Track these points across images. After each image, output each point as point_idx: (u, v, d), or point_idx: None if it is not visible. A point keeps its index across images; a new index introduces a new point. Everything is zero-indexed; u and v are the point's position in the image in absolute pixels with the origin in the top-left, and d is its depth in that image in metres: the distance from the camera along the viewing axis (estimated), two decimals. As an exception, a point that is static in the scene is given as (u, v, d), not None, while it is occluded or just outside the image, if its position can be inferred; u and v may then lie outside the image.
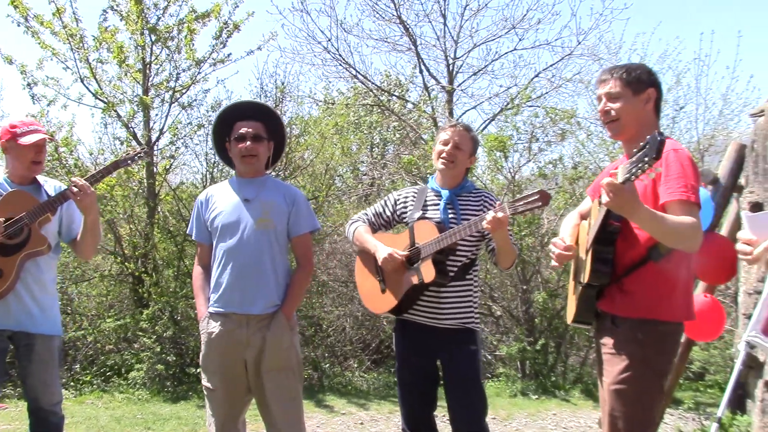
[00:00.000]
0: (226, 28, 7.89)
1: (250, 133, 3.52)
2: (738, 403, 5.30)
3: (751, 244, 2.12)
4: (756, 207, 4.69)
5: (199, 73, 8.02)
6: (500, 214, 3.13)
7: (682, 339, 4.67)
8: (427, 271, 3.40)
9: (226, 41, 7.95)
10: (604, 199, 2.47)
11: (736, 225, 5.12)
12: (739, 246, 2.19)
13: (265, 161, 3.62)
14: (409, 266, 3.51)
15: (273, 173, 7.94)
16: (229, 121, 3.62)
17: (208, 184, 8.21)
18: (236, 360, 3.42)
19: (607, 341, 2.82)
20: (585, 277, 2.81)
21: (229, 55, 8.04)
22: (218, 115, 3.74)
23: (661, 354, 2.76)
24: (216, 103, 8.25)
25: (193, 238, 3.71)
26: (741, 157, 5.06)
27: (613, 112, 2.85)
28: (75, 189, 3.32)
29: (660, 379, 2.77)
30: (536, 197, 3.05)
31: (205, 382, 3.50)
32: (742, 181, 5.07)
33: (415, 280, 3.46)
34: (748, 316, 4.42)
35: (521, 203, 3.10)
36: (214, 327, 3.44)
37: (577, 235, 3.10)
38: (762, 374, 4.45)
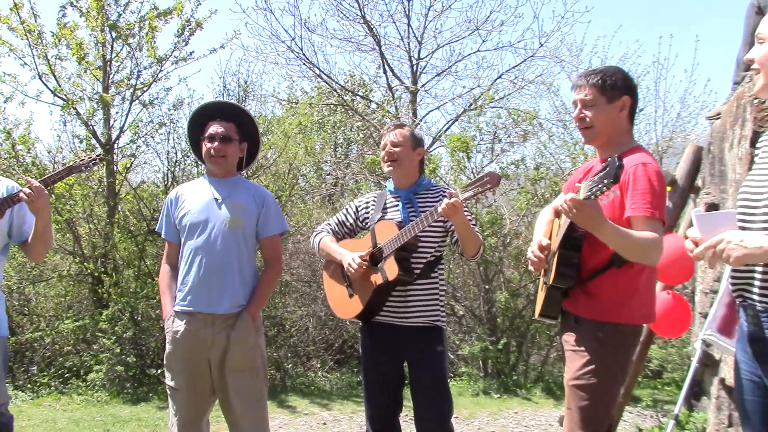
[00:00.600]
0: (188, 25, 7.80)
1: (219, 134, 3.51)
2: (694, 401, 5.40)
3: (697, 242, 2.17)
4: (712, 208, 4.79)
5: (160, 71, 7.93)
6: (453, 200, 3.16)
7: (642, 337, 4.76)
8: (391, 269, 3.42)
9: (189, 39, 7.87)
10: (568, 213, 2.52)
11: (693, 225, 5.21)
12: (686, 244, 2.25)
13: (235, 162, 3.61)
14: (374, 267, 3.52)
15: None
16: (203, 120, 3.60)
17: (169, 183, 8.13)
18: (200, 359, 3.40)
19: (569, 338, 2.89)
20: (551, 279, 2.86)
21: (191, 53, 7.96)
22: (192, 115, 3.72)
23: (619, 354, 2.82)
24: (178, 102, 8.18)
25: (162, 236, 3.68)
26: (698, 159, 5.16)
27: (587, 119, 2.87)
28: (28, 190, 3.23)
29: (617, 378, 2.84)
30: (486, 179, 3.11)
31: (168, 381, 3.48)
32: (699, 182, 5.16)
33: (379, 279, 3.47)
34: (705, 315, 4.50)
35: (473, 187, 3.14)
36: (179, 325, 3.43)
37: (551, 232, 3.15)
38: (717, 372, 4.54)
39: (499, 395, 7.39)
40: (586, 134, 2.93)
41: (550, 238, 3.07)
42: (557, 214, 3.18)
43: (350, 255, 3.56)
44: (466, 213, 3.40)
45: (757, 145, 2.42)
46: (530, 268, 3.06)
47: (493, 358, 7.98)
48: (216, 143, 3.50)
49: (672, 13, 25.47)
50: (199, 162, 7.74)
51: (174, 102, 8.20)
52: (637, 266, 2.78)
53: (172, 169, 8.25)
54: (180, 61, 7.96)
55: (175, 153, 8.27)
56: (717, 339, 4.00)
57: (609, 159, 2.33)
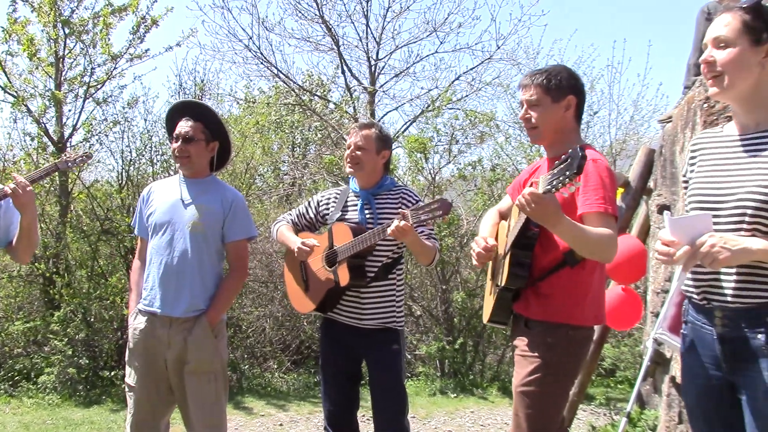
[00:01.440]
0: (143, 23, 7.70)
1: (182, 134, 3.46)
2: (646, 398, 5.51)
3: (671, 245, 2.17)
4: (663, 209, 4.89)
5: (115, 68, 7.81)
6: (402, 224, 3.15)
7: (595, 337, 4.83)
8: (343, 275, 3.44)
9: (144, 36, 7.77)
10: (526, 208, 2.45)
11: (646, 226, 5.32)
12: (658, 246, 2.23)
13: (204, 162, 3.55)
14: (329, 268, 3.52)
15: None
16: (175, 121, 3.56)
17: (123, 182, 8.02)
18: (158, 359, 3.38)
19: (519, 343, 2.87)
20: (502, 281, 2.83)
21: (146, 50, 7.87)
22: (168, 113, 3.66)
23: (569, 358, 2.80)
24: (133, 100, 8.06)
25: (135, 232, 3.68)
26: (650, 162, 5.26)
27: (533, 120, 2.87)
28: (13, 185, 3.15)
29: (566, 383, 2.83)
30: (437, 206, 3.07)
31: (127, 378, 3.45)
32: (651, 184, 5.27)
33: (332, 282, 3.49)
34: (656, 315, 4.59)
35: (423, 212, 3.12)
36: (140, 323, 3.42)
37: (496, 234, 3.14)
38: (668, 370, 4.63)
39: (455, 395, 7.43)
40: (532, 134, 2.93)
41: (496, 240, 3.07)
42: (503, 216, 3.20)
43: (298, 240, 3.57)
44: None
45: (693, 147, 2.47)
46: (474, 262, 3.02)
47: (449, 357, 8.03)
48: (179, 143, 3.46)
49: (625, 18, 25.92)
50: (155, 161, 7.67)
51: (129, 100, 8.10)
52: (589, 266, 2.78)
53: (127, 168, 8.13)
54: (135, 58, 7.86)
55: (130, 152, 8.16)
56: (668, 338, 4.08)
57: (570, 150, 2.29)
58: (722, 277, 2.18)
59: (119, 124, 8.00)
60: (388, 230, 3.19)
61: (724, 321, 2.20)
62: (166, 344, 3.36)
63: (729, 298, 2.17)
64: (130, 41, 7.74)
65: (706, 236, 2.08)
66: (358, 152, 3.60)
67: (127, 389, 3.47)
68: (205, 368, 3.37)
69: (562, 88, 2.84)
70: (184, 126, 3.48)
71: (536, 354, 2.77)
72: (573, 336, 2.78)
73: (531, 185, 2.47)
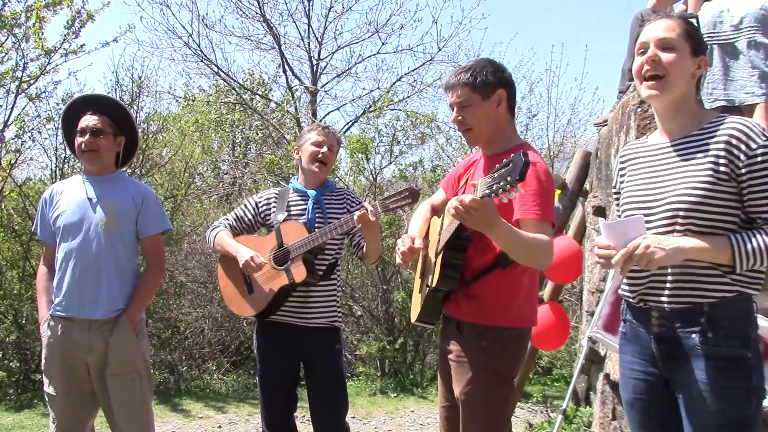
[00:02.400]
0: (78, 17, 7.49)
1: (90, 126, 3.36)
2: (581, 396, 5.62)
3: (609, 248, 2.22)
4: (599, 211, 5.00)
5: (48, 63, 7.57)
6: (372, 210, 3.17)
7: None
8: (298, 272, 3.40)
9: (79, 31, 7.55)
10: (465, 216, 2.33)
11: (582, 227, 5.44)
12: (597, 251, 2.27)
13: (111, 157, 3.47)
14: (278, 267, 3.49)
15: (128, 171, 7.65)
16: (74, 115, 3.45)
17: (57, 180, 7.79)
18: (78, 365, 3.28)
19: (453, 348, 2.78)
20: (433, 282, 2.76)
21: (82, 45, 7.64)
22: (65, 109, 3.56)
23: (506, 359, 2.73)
24: (67, 96, 7.84)
25: (37, 237, 3.52)
26: (586, 164, 5.38)
27: (466, 122, 2.75)
28: None
29: (507, 384, 2.75)
30: (406, 194, 3.14)
31: (46, 387, 3.35)
32: (587, 186, 5.38)
33: (284, 280, 3.44)
34: (591, 314, 4.69)
35: (392, 200, 3.16)
36: (55, 330, 3.30)
37: (427, 231, 3.07)
38: (603, 368, 4.74)
39: (395, 394, 7.46)
40: (468, 136, 2.80)
41: (427, 237, 3.01)
42: (435, 211, 3.11)
43: (249, 252, 3.48)
44: None
45: (621, 159, 2.52)
46: (398, 260, 2.90)
47: (390, 357, 8.06)
48: (87, 137, 3.34)
49: (564, 23, 26.43)
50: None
51: (63, 96, 7.85)
52: (521, 267, 2.70)
53: (61, 165, 7.91)
54: (70, 53, 7.62)
55: (64, 149, 7.92)
56: (602, 336, 4.17)
57: (512, 155, 2.16)
58: (658, 279, 2.25)
59: (53, 121, 7.78)
60: (356, 217, 3.18)
61: (660, 321, 2.27)
62: (87, 349, 3.26)
63: (665, 300, 2.23)
64: (65, 36, 7.52)
65: (640, 238, 2.14)
66: (330, 153, 3.60)
67: (47, 399, 3.37)
68: (128, 368, 3.30)
69: (489, 84, 2.70)
70: (90, 119, 3.37)
71: (472, 358, 2.70)
72: (507, 337, 2.71)
73: (469, 186, 2.43)
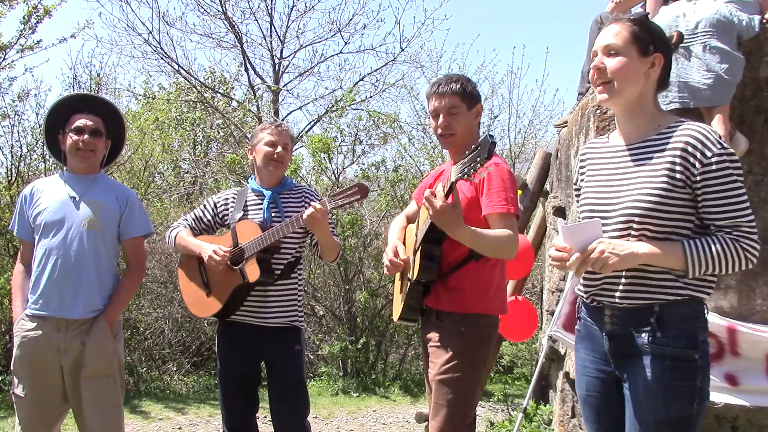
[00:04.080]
0: (35, 12, 7.36)
1: (90, 126, 3.35)
2: (541, 394, 5.69)
3: (564, 251, 2.27)
4: (559, 211, 5.07)
5: (4, 59, 7.43)
6: (319, 208, 3.20)
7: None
8: (252, 271, 3.39)
9: (36, 27, 7.42)
10: (431, 212, 2.60)
11: (543, 227, 5.50)
12: (552, 252, 2.32)
13: (101, 158, 3.47)
14: (233, 267, 3.47)
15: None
16: (63, 113, 3.41)
17: (13, 178, 7.65)
18: (51, 366, 3.23)
19: (433, 336, 2.99)
20: (414, 274, 2.96)
21: (39, 41, 7.52)
22: (55, 105, 3.49)
23: (481, 344, 2.96)
24: (23, 92, 7.71)
25: (14, 234, 3.47)
26: (547, 165, 5.45)
27: (452, 127, 3.01)
28: None
29: (480, 368, 2.99)
30: (355, 190, 3.18)
31: (14, 388, 3.29)
32: (547, 186, 5.45)
33: (239, 280, 3.42)
34: (551, 313, 4.75)
35: (341, 197, 3.20)
36: (30, 329, 3.24)
37: (404, 238, 3.26)
38: (562, 366, 4.80)
39: (357, 394, 7.47)
40: (448, 141, 3.05)
41: (404, 243, 3.19)
42: (410, 221, 3.33)
43: (211, 246, 3.48)
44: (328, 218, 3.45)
45: (581, 157, 2.58)
46: (386, 272, 3.18)
47: (352, 357, 8.07)
48: (86, 136, 3.34)
49: (525, 25, 26.69)
50: (49, 157, 7.35)
51: (19, 93, 7.74)
52: (493, 260, 2.95)
53: (17, 164, 7.77)
54: (26, 49, 7.49)
55: (20, 147, 7.80)
56: (562, 335, 4.22)
57: (480, 139, 2.40)
58: (611, 279, 2.30)
59: (8, 118, 7.64)
60: (304, 216, 3.22)
61: (613, 320, 2.32)
62: (62, 349, 3.22)
63: (617, 299, 2.28)
64: (21, 31, 7.39)
65: (596, 242, 2.20)
66: (285, 152, 3.61)
67: (15, 399, 3.31)
68: (103, 371, 3.27)
69: (474, 96, 3.03)
70: (89, 119, 3.38)
71: (451, 343, 2.91)
72: (482, 324, 2.95)
73: (435, 191, 2.61)
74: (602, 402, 2.41)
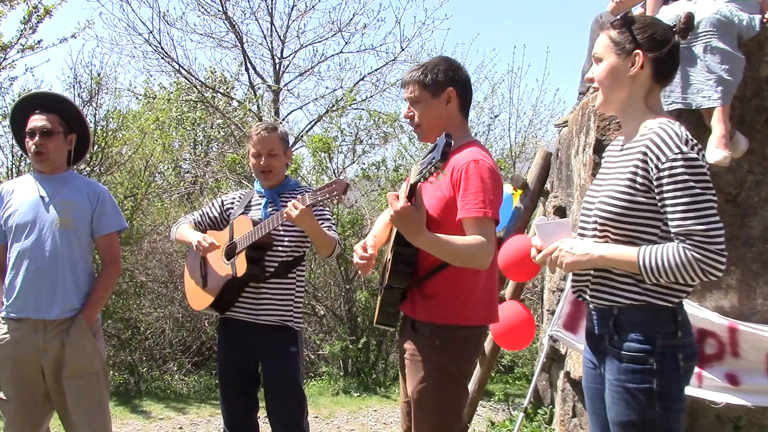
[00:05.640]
0: (36, 12, 7.36)
1: (39, 127, 3.31)
2: (542, 394, 5.69)
3: (539, 248, 2.36)
4: (559, 211, 5.07)
5: (5, 59, 7.43)
6: (299, 205, 3.18)
7: (492, 335, 4.96)
8: (240, 265, 3.41)
9: (36, 26, 7.43)
10: (391, 212, 2.42)
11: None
12: (532, 251, 2.40)
13: (63, 156, 3.43)
14: (227, 261, 3.50)
15: (87, 168, 7.54)
16: (23, 114, 3.39)
17: (14, 177, 7.64)
18: (31, 367, 3.22)
19: (408, 347, 2.78)
20: (386, 279, 2.76)
21: (39, 41, 7.51)
22: (13, 108, 3.50)
23: (459, 359, 2.72)
24: (24, 92, 7.71)
25: None
26: (547, 164, 5.44)
27: (416, 118, 2.80)
28: None
29: (459, 383, 2.76)
30: (333, 186, 3.14)
31: None
32: (548, 186, 5.45)
33: (229, 274, 3.44)
34: (552, 312, 4.74)
35: (320, 193, 3.18)
36: (6, 333, 3.24)
37: (389, 236, 3.06)
38: (563, 366, 4.80)
39: (358, 394, 7.47)
40: (417, 132, 2.86)
41: (388, 241, 2.99)
42: None
43: (199, 235, 3.51)
44: (323, 214, 3.44)
45: (603, 155, 2.60)
46: (359, 272, 2.99)
47: (353, 357, 8.06)
48: (36, 138, 3.30)
49: (526, 25, 26.68)
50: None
51: (20, 92, 7.71)
52: None
53: (17, 163, 7.76)
54: (27, 49, 7.49)
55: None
56: (563, 335, 4.22)
57: (437, 138, 2.25)
58: (585, 279, 2.34)
59: (8, 118, 7.63)
60: (284, 210, 3.21)
61: (589, 317, 2.40)
62: (41, 350, 3.21)
63: (589, 299, 2.35)
64: (21, 31, 7.39)
65: (558, 242, 2.28)
66: (271, 158, 3.59)
67: None
68: (85, 369, 3.27)
69: (439, 82, 2.75)
70: (39, 119, 3.32)
71: (425, 357, 2.70)
72: (462, 335, 2.71)
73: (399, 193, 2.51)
74: (598, 393, 2.42)
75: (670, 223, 2.12)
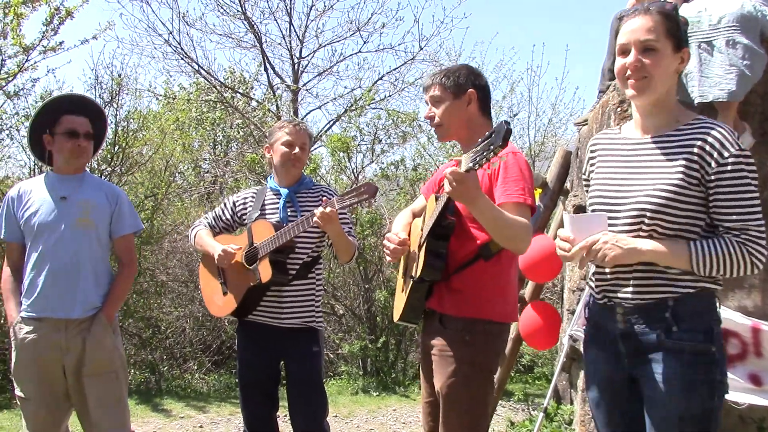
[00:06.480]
0: (57, 14, 7.42)
1: (84, 129, 3.37)
2: (562, 394, 5.66)
3: (569, 242, 2.27)
4: (579, 210, 5.03)
5: (27, 60, 7.50)
6: (328, 209, 3.17)
7: (513, 335, 4.94)
8: (265, 271, 3.40)
9: (58, 28, 7.48)
10: (447, 188, 2.43)
11: (563, 226, 5.45)
12: (557, 242, 2.32)
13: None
14: (248, 267, 3.48)
15: (108, 168, 7.61)
16: (51, 113, 3.41)
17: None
18: (53, 366, 3.24)
19: (436, 343, 2.80)
20: (417, 272, 2.78)
21: (61, 43, 7.57)
22: (45, 105, 3.52)
23: (488, 354, 2.78)
24: (46, 93, 7.78)
25: (1, 237, 3.44)
26: (567, 163, 5.40)
27: (437, 118, 2.89)
28: None
29: (488, 377, 2.81)
30: (363, 190, 3.13)
31: (18, 391, 3.30)
32: (567, 185, 5.41)
33: (253, 280, 3.43)
34: (572, 312, 4.71)
35: (349, 197, 3.16)
36: (27, 333, 3.25)
37: (409, 232, 3.11)
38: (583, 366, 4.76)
39: (377, 393, 7.46)
40: (438, 132, 2.95)
41: (409, 237, 3.04)
42: (416, 216, 3.18)
43: (220, 246, 3.52)
44: (344, 218, 3.43)
45: (592, 148, 2.55)
46: (386, 258, 3.03)
47: (372, 356, 8.07)
48: (81, 138, 3.35)
49: (545, 23, 26.55)
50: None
51: (42, 93, 7.80)
52: (504, 261, 2.78)
53: (39, 164, 7.84)
54: (49, 50, 7.54)
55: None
56: (583, 334, 4.19)
57: (495, 126, 2.28)
58: (622, 276, 2.27)
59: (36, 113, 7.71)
60: (317, 212, 3.19)
61: (625, 318, 2.29)
62: (64, 349, 3.24)
63: (629, 296, 2.26)
64: (43, 33, 7.45)
65: (599, 234, 2.20)
66: (303, 152, 3.61)
67: (19, 402, 3.33)
68: (106, 367, 3.29)
69: (460, 84, 2.87)
70: (82, 122, 3.38)
71: (455, 353, 2.73)
72: (490, 331, 2.77)
73: (454, 161, 2.50)
74: (614, 404, 2.38)
75: (722, 217, 2.15)
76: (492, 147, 2.25)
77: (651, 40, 2.23)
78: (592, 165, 2.52)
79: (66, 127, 3.35)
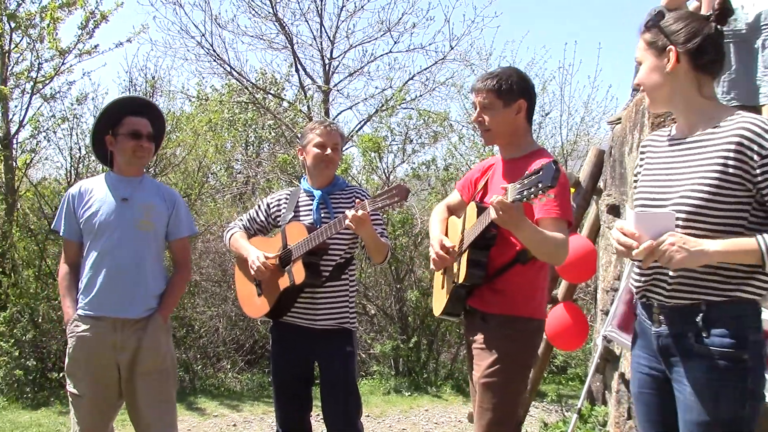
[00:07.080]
0: (92, 17, 7.54)
1: (148, 133, 3.43)
2: (596, 395, 5.60)
3: (633, 238, 2.18)
4: (613, 209, 4.98)
5: (63, 63, 7.63)
6: (360, 212, 3.19)
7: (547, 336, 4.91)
8: (298, 273, 3.41)
9: (93, 31, 7.60)
10: (492, 214, 2.54)
11: (596, 225, 5.42)
12: (618, 236, 2.23)
13: None
14: (282, 269, 3.50)
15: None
16: (113, 115, 3.46)
17: (72, 180, 7.83)
18: (108, 364, 3.30)
19: (478, 338, 2.96)
20: (460, 278, 2.93)
21: (96, 46, 7.70)
22: (107, 107, 3.53)
23: (526, 348, 2.96)
24: (82, 96, 7.90)
25: (61, 234, 3.50)
26: (600, 162, 5.36)
27: (486, 123, 2.96)
28: None
29: (525, 372, 3.00)
30: (394, 192, 3.14)
31: (70, 388, 3.35)
32: (601, 184, 5.36)
33: (286, 282, 3.45)
34: (606, 312, 4.68)
35: (380, 199, 3.16)
36: (84, 330, 3.30)
37: (447, 230, 3.21)
38: (617, 367, 4.72)
39: (409, 393, 7.46)
40: (485, 136, 3.04)
41: (446, 235, 3.14)
42: (451, 211, 3.29)
43: (255, 253, 3.54)
44: (376, 219, 3.43)
45: (642, 148, 2.54)
46: (432, 267, 3.12)
47: (404, 356, 8.06)
48: (144, 140, 3.41)
49: (576, 21, 26.33)
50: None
51: (77, 96, 7.92)
52: (538, 264, 2.91)
53: (76, 165, 7.96)
54: (84, 54, 7.68)
55: (79, 149, 7.99)
56: (617, 335, 4.16)
57: (544, 164, 2.36)
58: (660, 276, 2.25)
59: (68, 121, 7.83)
60: (348, 215, 3.20)
61: (661, 318, 2.29)
62: (119, 348, 3.29)
63: (665, 296, 2.25)
64: (79, 36, 7.57)
65: (667, 234, 2.12)
66: (335, 153, 3.62)
67: (71, 398, 3.37)
68: (159, 366, 3.35)
69: (512, 93, 2.92)
70: (146, 123, 3.44)
71: (495, 346, 2.88)
72: (528, 327, 2.94)
73: (500, 189, 2.58)
74: (654, 400, 2.38)
75: None
76: (540, 185, 2.34)
77: (637, 57, 2.37)
78: (641, 164, 2.52)
79: (129, 128, 3.40)
